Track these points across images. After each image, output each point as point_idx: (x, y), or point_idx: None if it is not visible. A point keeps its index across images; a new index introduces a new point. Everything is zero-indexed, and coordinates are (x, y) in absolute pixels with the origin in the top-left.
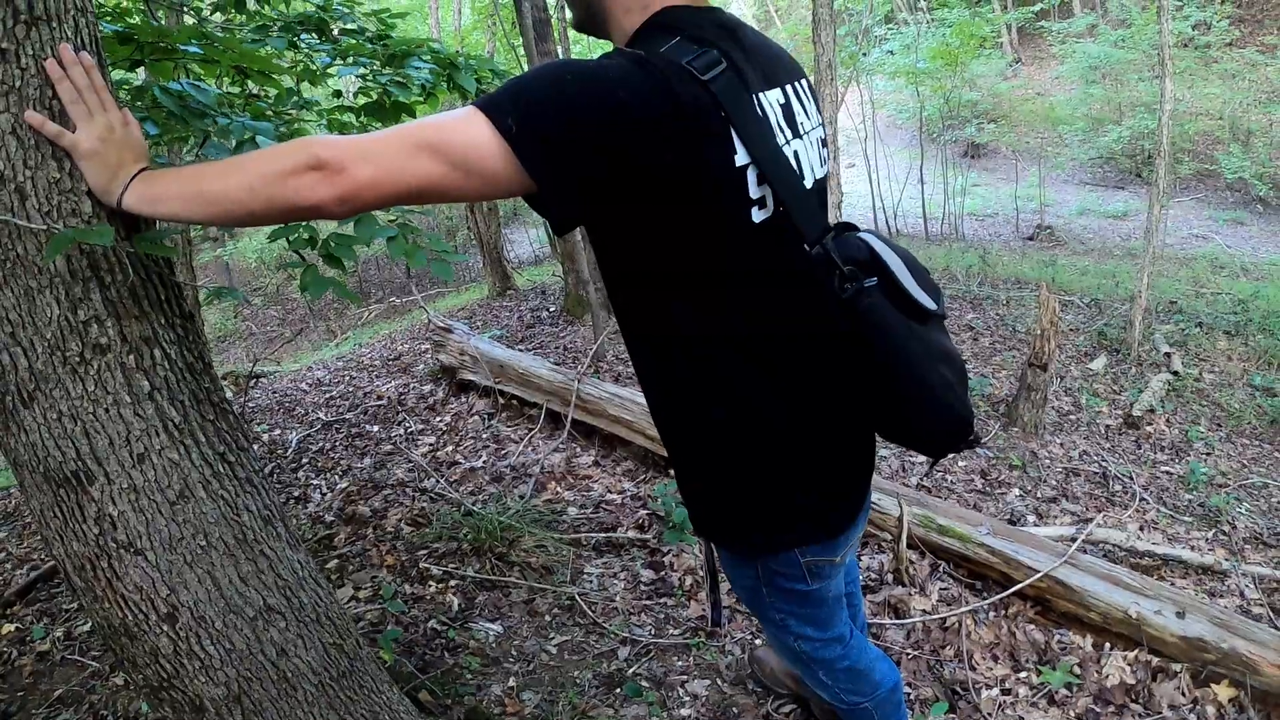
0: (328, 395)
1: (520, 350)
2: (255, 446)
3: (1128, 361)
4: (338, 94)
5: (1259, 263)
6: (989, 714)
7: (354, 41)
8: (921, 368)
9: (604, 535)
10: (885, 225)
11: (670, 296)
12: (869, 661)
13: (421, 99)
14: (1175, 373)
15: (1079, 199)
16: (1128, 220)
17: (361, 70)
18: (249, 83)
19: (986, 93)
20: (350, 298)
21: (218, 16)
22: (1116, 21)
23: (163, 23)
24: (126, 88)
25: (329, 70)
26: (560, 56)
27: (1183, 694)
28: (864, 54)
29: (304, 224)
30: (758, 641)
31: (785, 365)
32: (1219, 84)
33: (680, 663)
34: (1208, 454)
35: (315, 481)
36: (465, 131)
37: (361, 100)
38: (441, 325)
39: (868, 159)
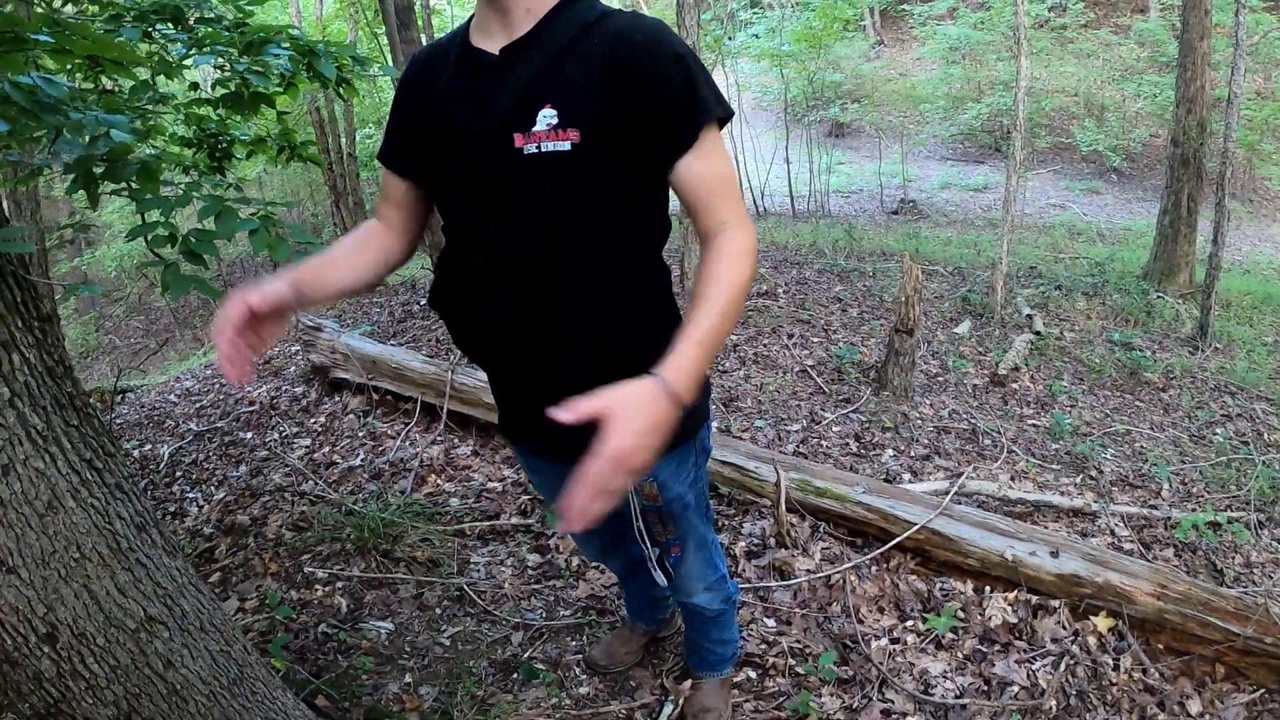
0: (198, 405)
1: (392, 345)
2: (126, 463)
3: (991, 324)
4: (194, 86)
5: (1114, 228)
6: (880, 663)
7: (211, 30)
8: None
9: (488, 524)
10: (752, 205)
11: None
12: None
13: (281, 88)
14: (1037, 332)
15: (941, 174)
16: (988, 193)
17: (219, 60)
18: (102, 78)
19: (850, 74)
20: (213, 294)
21: (69, 8)
22: (976, 4)
23: (10, 9)
24: None
25: (185, 61)
26: (424, 44)
27: (1063, 628)
28: (729, 38)
29: (163, 220)
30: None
31: None
32: (1074, 63)
33: (574, 642)
34: (1071, 406)
35: (191, 494)
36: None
37: (220, 92)
38: (310, 324)
39: (734, 141)
